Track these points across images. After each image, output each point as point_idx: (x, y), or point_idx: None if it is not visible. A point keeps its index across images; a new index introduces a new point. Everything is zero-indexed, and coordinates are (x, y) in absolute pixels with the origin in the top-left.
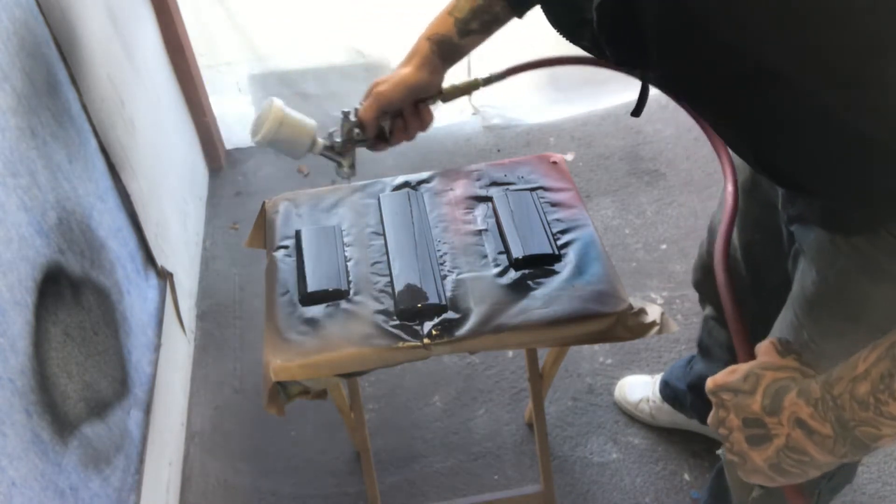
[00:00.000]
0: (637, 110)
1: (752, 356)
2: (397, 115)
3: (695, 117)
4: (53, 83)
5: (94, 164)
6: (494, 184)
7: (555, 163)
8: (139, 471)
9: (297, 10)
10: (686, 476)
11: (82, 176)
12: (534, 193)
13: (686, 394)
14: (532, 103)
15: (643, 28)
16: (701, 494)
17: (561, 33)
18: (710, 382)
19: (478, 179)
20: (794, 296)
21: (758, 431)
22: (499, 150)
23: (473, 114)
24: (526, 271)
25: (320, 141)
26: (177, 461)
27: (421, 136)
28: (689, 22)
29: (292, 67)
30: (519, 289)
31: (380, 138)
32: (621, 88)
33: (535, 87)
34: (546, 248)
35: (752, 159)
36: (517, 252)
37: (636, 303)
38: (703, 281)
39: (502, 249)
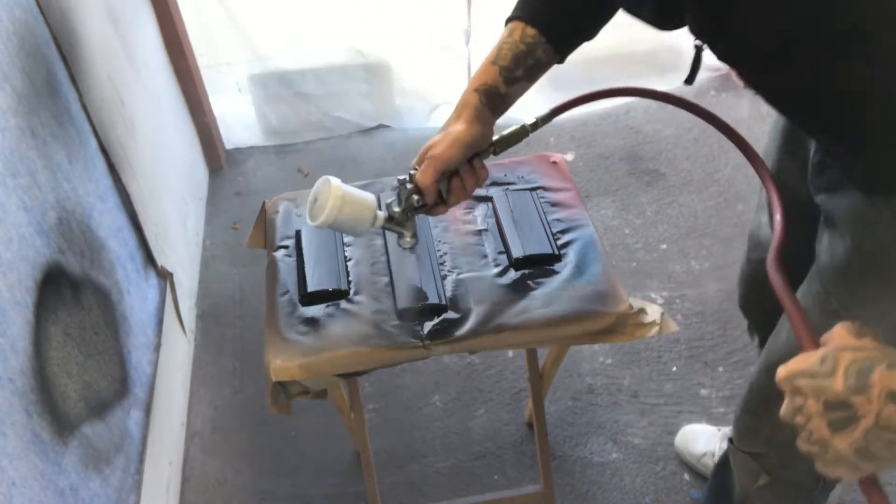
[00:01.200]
0: (690, 78)
1: (816, 344)
2: (453, 174)
3: (724, 130)
4: (53, 83)
5: (94, 164)
6: (494, 184)
7: (555, 163)
8: (139, 471)
9: (297, 10)
10: (686, 476)
11: (82, 176)
12: (534, 193)
13: None
14: (532, 103)
15: None
16: (701, 493)
17: (621, 4)
18: (781, 370)
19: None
20: (819, 268)
21: (842, 414)
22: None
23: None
24: (526, 271)
25: (380, 214)
26: (177, 461)
27: (420, 135)
28: None
29: (292, 67)
30: (519, 289)
31: (438, 201)
32: None
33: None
34: (546, 248)
35: (811, 121)
36: (517, 252)
37: (636, 303)
38: (749, 296)
39: (502, 249)
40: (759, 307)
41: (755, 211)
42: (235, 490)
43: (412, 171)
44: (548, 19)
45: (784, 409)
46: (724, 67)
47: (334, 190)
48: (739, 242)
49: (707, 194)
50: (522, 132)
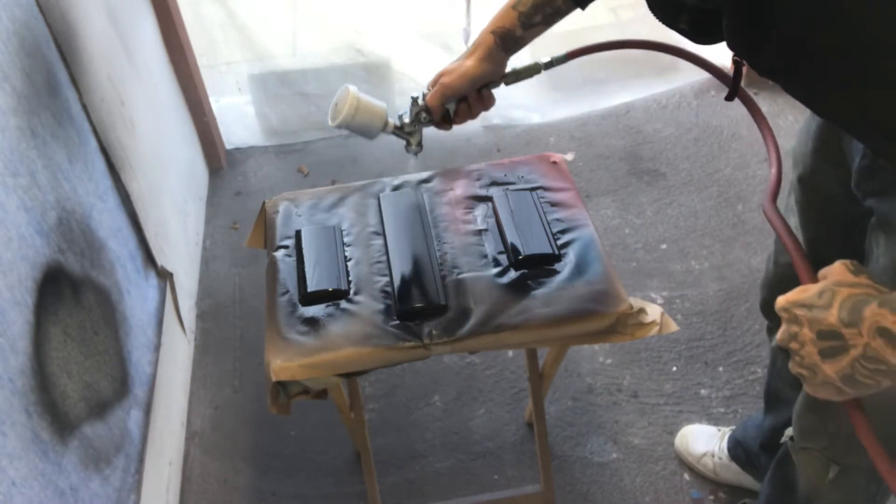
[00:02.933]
0: (732, 94)
1: (815, 279)
2: (462, 99)
3: (762, 128)
4: (53, 83)
5: (94, 164)
6: (494, 183)
7: (555, 162)
8: (139, 471)
9: (297, 10)
10: (686, 476)
11: (82, 176)
12: (534, 193)
13: (760, 454)
14: (532, 103)
15: (776, 10)
16: (762, 487)
17: (658, 16)
18: (781, 300)
19: (478, 179)
20: (879, 271)
21: (833, 343)
22: (499, 150)
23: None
24: (526, 271)
25: (391, 122)
26: (177, 461)
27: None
28: None
29: (292, 67)
30: (519, 288)
31: (445, 120)
32: (621, 88)
33: (535, 86)
34: (546, 248)
35: (862, 126)
36: (517, 252)
37: (636, 302)
38: (771, 298)
39: (502, 249)
40: None
41: (783, 212)
42: (235, 490)
43: (425, 91)
44: None
45: (780, 334)
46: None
47: (352, 96)
48: (740, 242)
49: (707, 194)
50: (535, 69)
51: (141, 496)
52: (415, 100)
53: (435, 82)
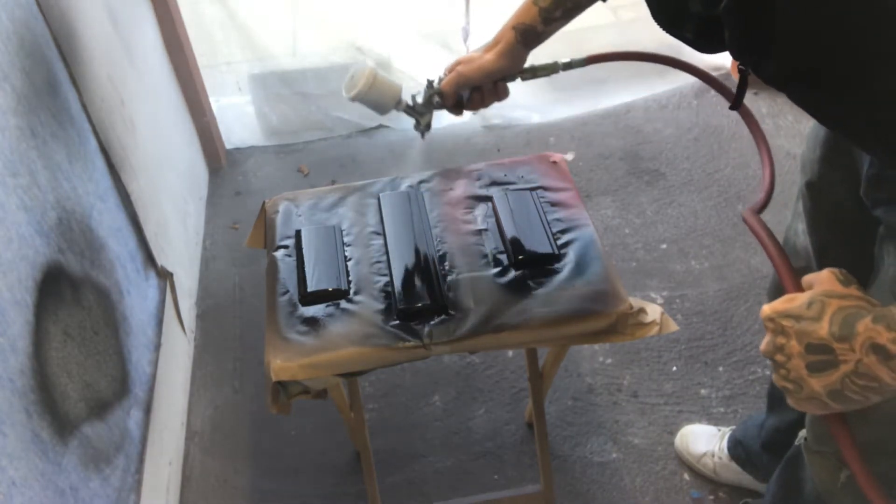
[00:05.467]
0: (737, 103)
1: (799, 288)
2: (476, 88)
3: (756, 137)
4: (53, 83)
5: (94, 163)
6: (494, 183)
7: (555, 162)
8: (139, 471)
9: (297, 10)
10: (686, 476)
11: (82, 176)
12: (534, 193)
13: (760, 454)
14: (532, 103)
15: (778, 13)
16: (769, 486)
17: (662, 25)
18: (766, 308)
19: (478, 179)
20: (889, 280)
21: (822, 358)
22: (499, 150)
23: (473, 113)
24: (526, 271)
25: (404, 100)
26: (177, 461)
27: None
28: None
29: (292, 67)
30: (519, 288)
31: (457, 105)
32: (621, 88)
33: (534, 86)
34: (546, 248)
35: (870, 137)
36: (517, 252)
37: (636, 302)
38: None
39: (502, 249)
40: None
41: (790, 218)
42: (235, 490)
43: (442, 76)
44: None
45: (765, 345)
46: (724, 67)
47: (370, 71)
48: (740, 242)
49: (707, 194)
50: (553, 68)
51: (141, 496)
52: (430, 83)
53: (452, 69)
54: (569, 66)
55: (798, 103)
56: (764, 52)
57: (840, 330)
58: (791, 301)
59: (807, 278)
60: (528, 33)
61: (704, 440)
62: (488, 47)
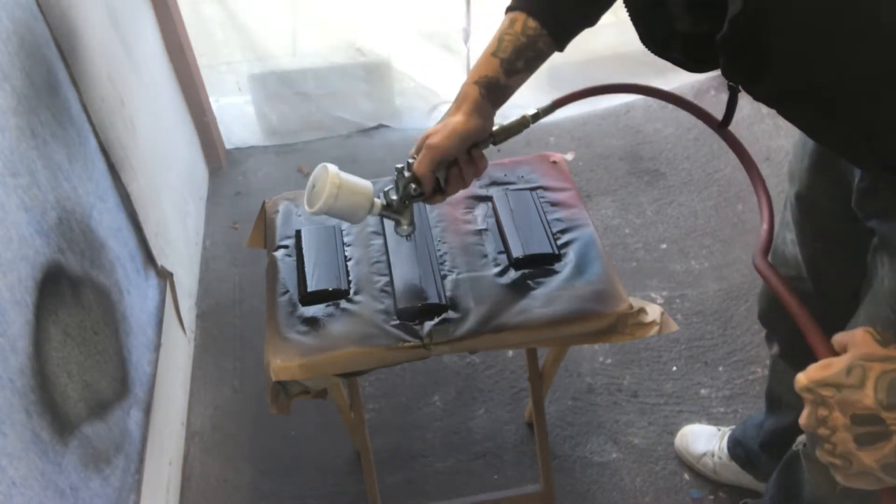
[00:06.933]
0: (726, 121)
1: (832, 351)
2: (452, 164)
3: (738, 151)
4: (53, 83)
5: (94, 163)
6: (494, 183)
7: (555, 162)
8: (139, 471)
9: (297, 10)
10: (686, 476)
11: (82, 176)
12: (534, 193)
13: (759, 454)
14: (532, 103)
15: (773, 39)
16: (767, 488)
17: (649, 47)
18: (801, 378)
19: (478, 179)
20: (886, 293)
21: (871, 430)
22: (499, 150)
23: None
24: (526, 271)
25: (377, 202)
26: (177, 461)
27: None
28: (851, 21)
29: (292, 67)
30: (519, 288)
31: (436, 190)
32: None
33: (534, 86)
34: (546, 248)
35: (863, 153)
36: (517, 252)
37: (636, 302)
38: (770, 309)
39: (502, 249)
40: (785, 323)
41: (779, 227)
42: (235, 490)
43: (410, 160)
44: (549, 11)
45: (806, 419)
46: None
47: (332, 177)
48: (739, 242)
49: (707, 194)
50: (523, 123)
51: (141, 496)
52: (400, 170)
53: (419, 148)
54: (537, 116)
55: (790, 120)
56: (757, 74)
57: (888, 397)
58: (828, 368)
59: (839, 339)
60: (491, 87)
61: (704, 440)
62: (452, 111)
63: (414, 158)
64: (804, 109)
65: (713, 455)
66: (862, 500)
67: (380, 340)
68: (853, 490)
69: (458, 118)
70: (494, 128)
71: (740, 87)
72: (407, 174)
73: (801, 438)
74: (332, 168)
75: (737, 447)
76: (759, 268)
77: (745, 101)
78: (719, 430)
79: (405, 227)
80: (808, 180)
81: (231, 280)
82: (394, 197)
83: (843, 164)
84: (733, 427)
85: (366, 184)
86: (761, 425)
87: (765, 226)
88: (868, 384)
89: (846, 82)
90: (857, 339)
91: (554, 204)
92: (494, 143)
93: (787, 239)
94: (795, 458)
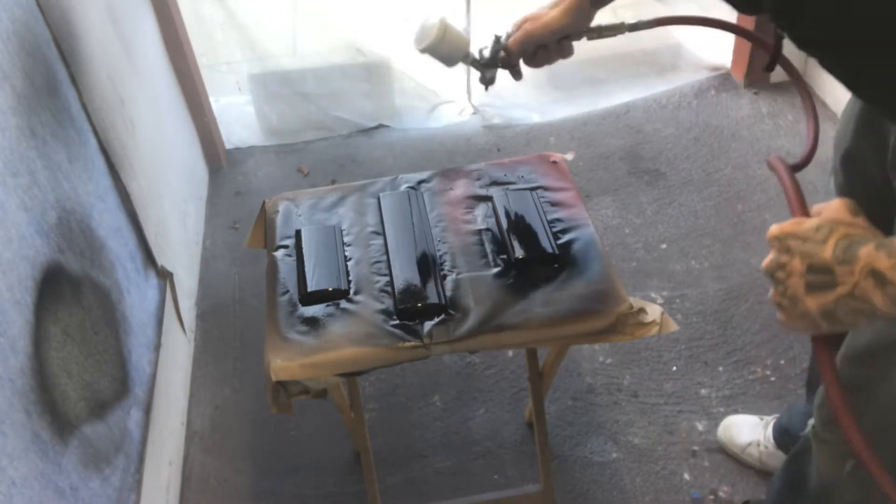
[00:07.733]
0: (771, 65)
1: (807, 214)
2: (542, 46)
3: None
4: (53, 83)
5: (94, 163)
6: (494, 183)
7: (555, 162)
8: (139, 471)
9: (297, 10)
10: (686, 476)
11: (82, 175)
12: (534, 193)
13: None
14: (532, 103)
15: None
16: (772, 483)
17: None
18: (774, 228)
19: (478, 179)
20: None
21: (821, 278)
22: (499, 150)
23: (473, 113)
24: (526, 271)
25: (471, 53)
26: (177, 461)
27: (420, 135)
28: None
29: (292, 67)
30: (519, 288)
31: (518, 69)
32: (620, 88)
33: (534, 86)
34: (546, 248)
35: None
36: (517, 252)
37: (636, 302)
38: None
39: (502, 249)
40: None
41: (824, 197)
42: (235, 490)
43: (509, 31)
44: None
45: (768, 262)
46: (724, 67)
47: (441, 21)
48: (740, 242)
49: (707, 194)
50: (619, 28)
51: (141, 496)
52: (497, 38)
53: (519, 26)
54: (635, 27)
55: (830, 70)
56: (799, 14)
57: (843, 254)
58: (799, 224)
59: (817, 206)
60: None
61: (748, 430)
62: (554, 3)
63: (513, 31)
64: (843, 54)
65: (759, 444)
66: (867, 485)
67: (380, 340)
68: (859, 474)
69: (555, 13)
70: (592, 24)
71: (785, 34)
72: (502, 42)
73: (811, 423)
74: (443, 16)
75: (783, 435)
76: (771, 162)
77: (745, 101)
78: (762, 419)
79: (486, 80)
80: (852, 146)
81: (231, 280)
82: (486, 55)
83: (885, 127)
84: (776, 416)
85: (466, 38)
86: (806, 412)
87: (810, 136)
88: (830, 241)
89: (887, 21)
90: (832, 206)
91: (554, 204)
92: (588, 39)
93: None
94: (803, 450)
